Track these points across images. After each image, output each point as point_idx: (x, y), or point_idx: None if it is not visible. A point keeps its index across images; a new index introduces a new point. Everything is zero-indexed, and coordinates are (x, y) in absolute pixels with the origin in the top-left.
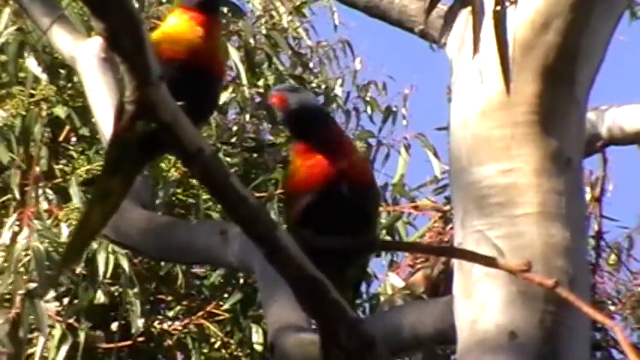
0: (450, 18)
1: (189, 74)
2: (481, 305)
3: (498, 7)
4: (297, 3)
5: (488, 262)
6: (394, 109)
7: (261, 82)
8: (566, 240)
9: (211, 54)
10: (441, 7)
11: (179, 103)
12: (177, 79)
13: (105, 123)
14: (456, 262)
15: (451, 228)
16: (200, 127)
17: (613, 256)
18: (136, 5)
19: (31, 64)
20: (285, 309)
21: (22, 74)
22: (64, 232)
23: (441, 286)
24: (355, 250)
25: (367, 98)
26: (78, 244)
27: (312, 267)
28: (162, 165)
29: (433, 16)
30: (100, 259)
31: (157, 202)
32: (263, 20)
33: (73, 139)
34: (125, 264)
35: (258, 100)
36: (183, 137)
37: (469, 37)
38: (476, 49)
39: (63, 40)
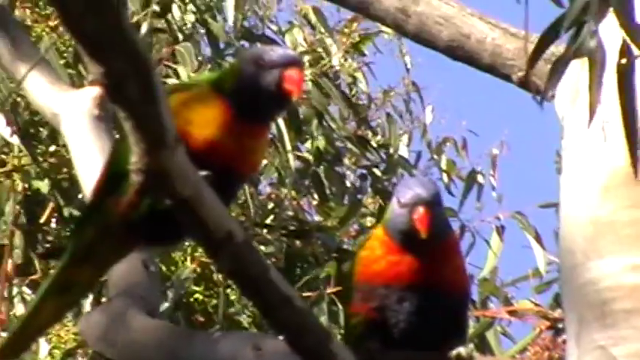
0: (558, 69)
1: None
2: None
3: (624, 60)
4: (354, 39)
5: None
6: (480, 176)
7: (308, 145)
8: None
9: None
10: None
11: (203, 173)
12: None
13: None
14: None
15: (564, 341)
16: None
17: None
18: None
19: None
20: None
21: None
22: (43, 350)
23: None
24: None
25: (442, 162)
26: (19, 345)
27: None
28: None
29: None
30: None
31: (165, 304)
32: (306, 59)
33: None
34: None
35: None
36: (208, 218)
37: (585, 87)
38: (592, 113)
39: (42, 92)
